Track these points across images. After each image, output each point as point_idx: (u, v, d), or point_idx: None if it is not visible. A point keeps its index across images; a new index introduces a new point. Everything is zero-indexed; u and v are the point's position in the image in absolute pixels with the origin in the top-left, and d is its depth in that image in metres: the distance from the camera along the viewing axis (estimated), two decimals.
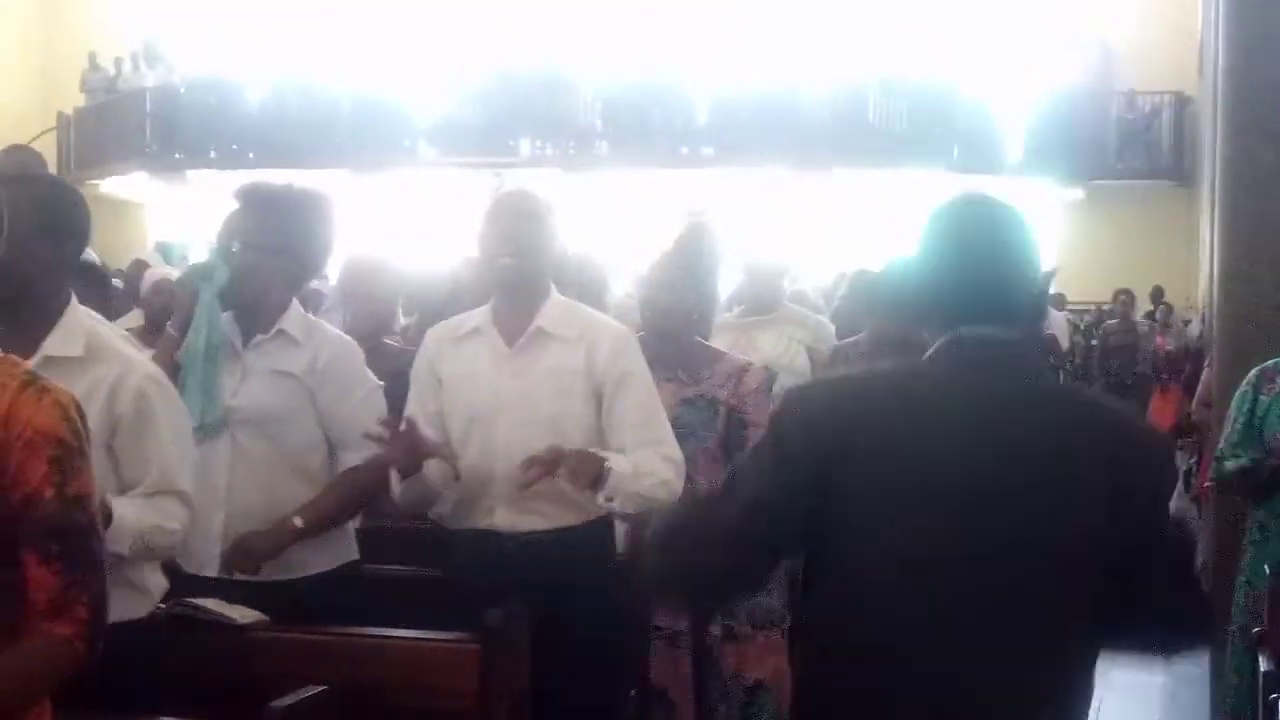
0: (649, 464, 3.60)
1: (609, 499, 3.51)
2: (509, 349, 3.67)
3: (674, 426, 4.15)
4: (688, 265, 4.54)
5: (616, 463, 3.52)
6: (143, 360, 3.14)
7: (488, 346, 3.69)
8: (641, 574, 2.62)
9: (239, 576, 3.52)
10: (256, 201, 3.72)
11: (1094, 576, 2.26)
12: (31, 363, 2.77)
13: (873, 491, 2.24)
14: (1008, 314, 2.33)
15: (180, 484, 3.09)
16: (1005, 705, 2.24)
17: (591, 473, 3.48)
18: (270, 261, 3.64)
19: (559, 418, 3.62)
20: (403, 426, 3.51)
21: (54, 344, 2.97)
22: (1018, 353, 2.33)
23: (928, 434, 2.26)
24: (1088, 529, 2.24)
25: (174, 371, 3.53)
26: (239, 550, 3.55)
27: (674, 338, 4.36)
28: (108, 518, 2.85)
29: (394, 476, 3.60)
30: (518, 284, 3.68)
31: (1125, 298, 15.12)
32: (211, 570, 3.55)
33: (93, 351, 3.00)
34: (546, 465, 3.45)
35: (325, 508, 3.65)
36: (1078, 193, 19.88)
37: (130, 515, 2.93)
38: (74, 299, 3.06)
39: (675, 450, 3.70)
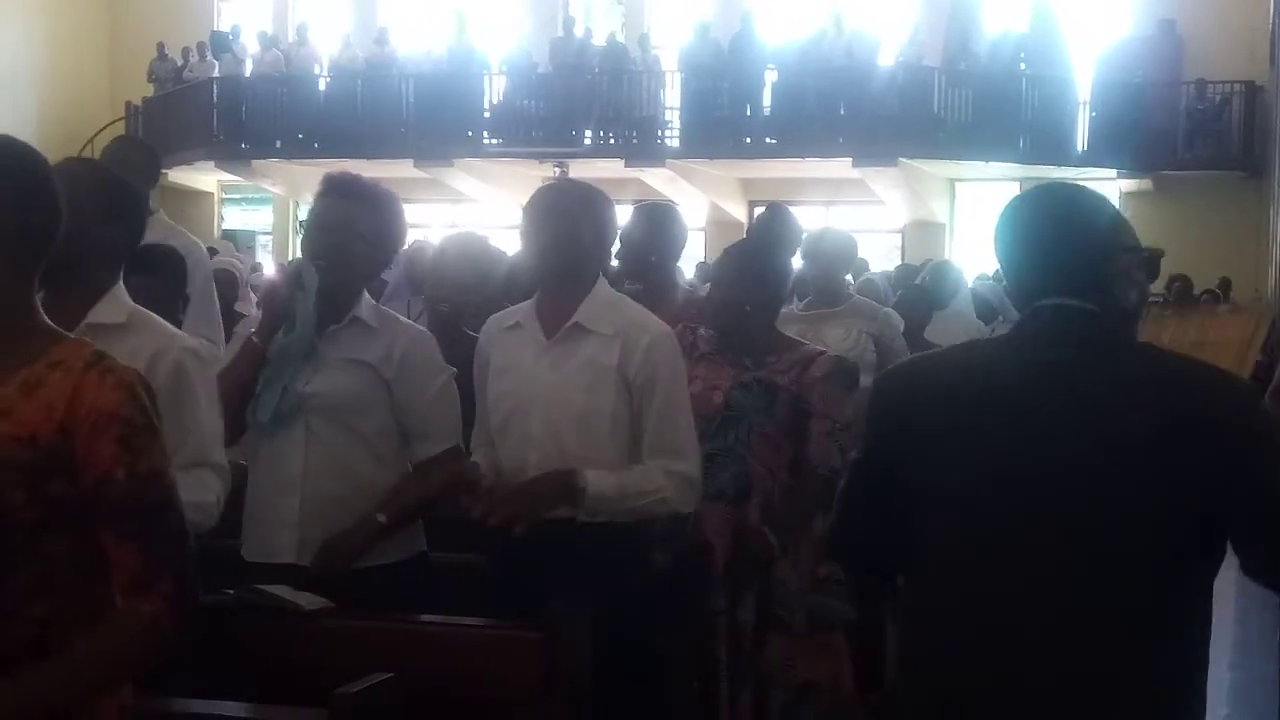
0: (646, 480, 3.60)
1: (591, 516, 3.53)
2: (547, 341, 3.67)
3: (726, 409, 4.15)
4: (753, 255, 4.52)
5: (596, 484, 3.52)
6: (181, 334, 3.20)
7: (529, 338, 3.70)
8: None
9: (305, 564, 3.54)
10: (343, 191, 3.75)
11: (1178, 535, 2.25)
12: (74, 333, 2.83)
13: (942, 462, 2.36)
14: (1085, 286, 2.38)
15: (215, 456, 3.13)
16: (1089, 673, 2.24)
17: (560, 496, 3.50)
18: (354, 249, 3.67)
19: (589, 412, 3.62)
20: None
21: (97, 313, 3.05)
22: (1096, 322, 2.38)
23: (995, 401, 2.35)
24: (1164, 486, 2.25)
25: (253, 366, 3.58)
26: (328, 552, 3.57)
27: (737, 328, 4.33)
28: None
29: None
30: (553, 278, 3.69)
31: (1180, 285, 13.77)
32: (286, 556, 3.57)
33: (134, 323, 3.08)
34: (507, 498, 3.49)
35: (407, 502, 3.67)
36: (1145, 183, 19.68)
37: None
38: (120, 281, 3.12)
39: (686, 463, 3.67)
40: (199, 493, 3.03)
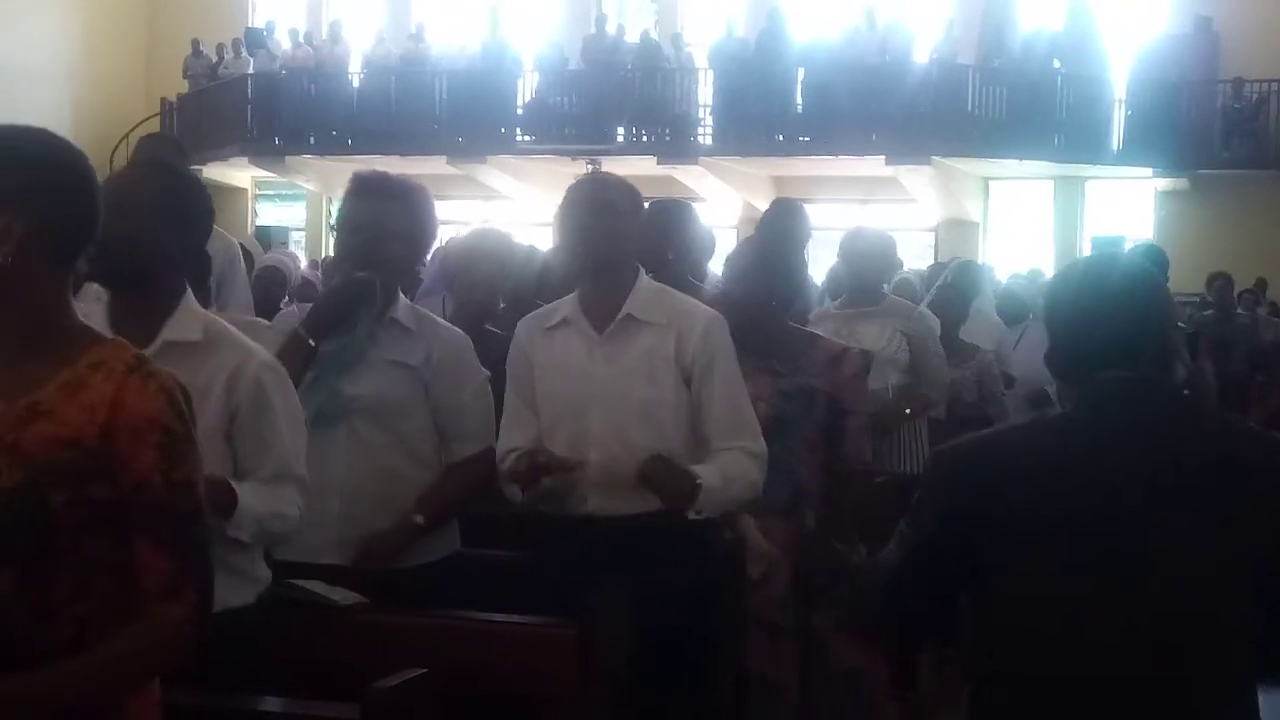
0: (736, 467, 3.60)
1: (698, 512, 3.52)
2: (599, 336, 3.66)
3: (774, 421, 4.11)
4: (769, 250, 4.49)
5: (707, 478, 3.51)
6: (259, 349, 3.16)
7: (578, 335, 3.68)
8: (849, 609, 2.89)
9: (343, 565, 3.55)
10: (372, 190, 3.75)
11: (1243, 594, 2.33)
12: (151, 348, 2.83)
13: (1021, 539, 2.36)
14: (1146, 359, 2.44)
15: (297, 470, 3.11)
16: None
17: (683, 494, 3.49)
18: (388, 249, 3.67)
19: (650, 404, 3.61)
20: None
21: (173, 329, 2.99)
22: (1163, 390, 2.46)
23: (1068, 474, 2.37)
24: (1230, 547, 2.32)
25: (304, 365, 3.58)
26: (365, 552, 3.58)
27: (756, 326, 4.29)
28: (232, 504, 2.89)
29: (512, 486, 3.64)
30: (601, 272, 3.67)
31: (1221, 283, 12.85)
32: (328, 557, 3.56)
33: (211, 338, 3.02)
34: (646, 483, 3.49)
35: (444, 502, 3.69)
36: (1181, 182, 19.55)
37: (252, 502, 2.96)
38: (189, 288, 3.09)
39: (758, 443, 3.68)
40: (281, 504, 3.04)
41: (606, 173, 3.92)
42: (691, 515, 3.51)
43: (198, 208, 3.11)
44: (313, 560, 3.53)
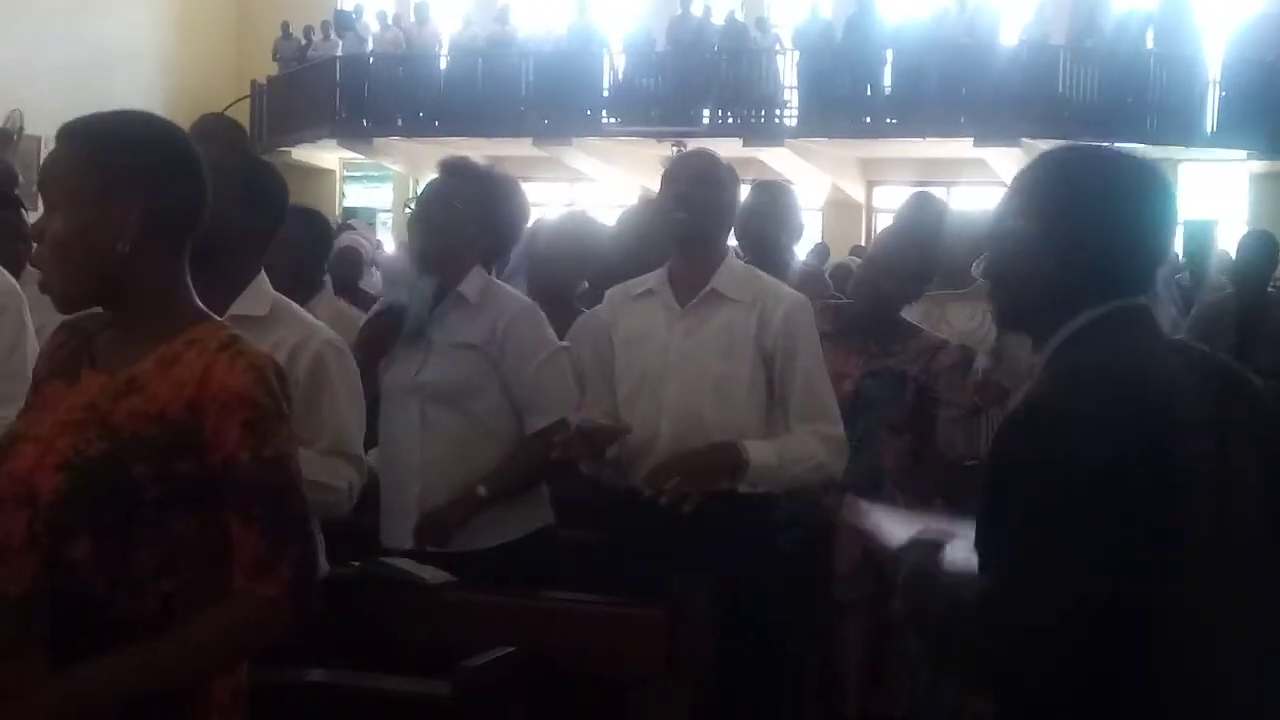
0: (801, 447, 3.58)
1: (751, 487, 3.49)
2: (681, 309, 3.65)
3: (857, 399, 4.10)
4: (906, 239, 4.50)
5: (757, 454, 3.49)
6: (323, 327, 3.21)
7: (661, 305, 3.69)
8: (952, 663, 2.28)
9: (430, 549, 3.56)
10: (460, 172, 3.78)
11: None
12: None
13: (1167, 512, 1.99)
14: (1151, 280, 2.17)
15: (353, 448, 3.14)
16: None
17: (723, 469, 3.47)
18: (463, 225, 3.68)
19: (725, 380, 3.60)
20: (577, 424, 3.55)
21: (241, 305, 3.05)
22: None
23: (1181, 436, 2.02)
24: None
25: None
26: (427, 522, 3.60)
27: (877, 311, 4.31)
28: None
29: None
30: (691, 241, 3.66)
31: None
32: (409, 544, 3.59)
33: (276, 314, 3.10)
34: (679, 470, 3.45)
35: (511, 475, 3.68)
36: (1276, 165, 19.19)
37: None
38: (262, 271, 3.13)
39: (835, 427, 3.66)
40: (329, 476, 3.06)
41: (708, 149, 3.91)
42: (743, 490, 3.48)
43: (273, 190, 3.19)
44: (403, 547, 3.55)
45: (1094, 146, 2.27)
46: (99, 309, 2.22)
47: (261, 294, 3.11)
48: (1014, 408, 2.14)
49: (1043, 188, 2.19)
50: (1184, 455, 2.01)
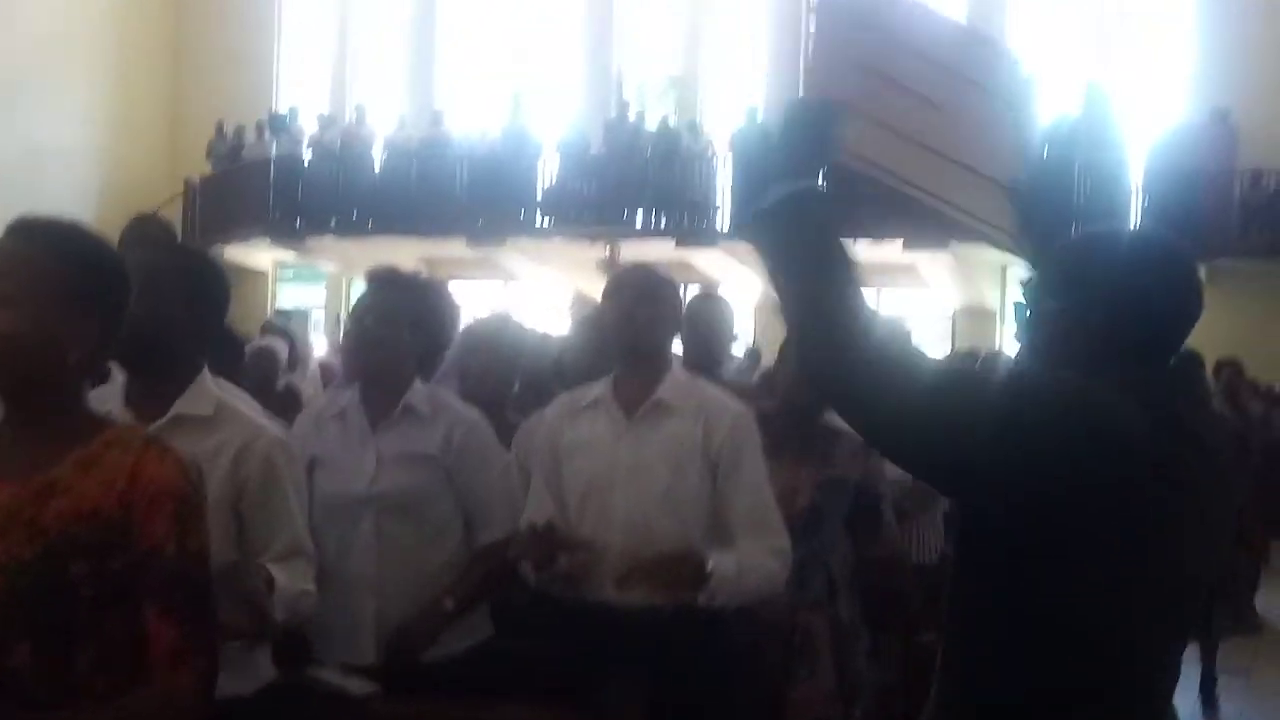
0: (755, 559, 3.60)
1: (710, 598, 3.50)
2: (627, 420, 3.67)
3: (813, 513, 4.14)
4: None
5: (720, 565, 3.50)
6: (269, 425, 3.18)
7: (607, 417, 3.71)
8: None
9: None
10: (390, 283, 3.79)
11: None
12: (161, 420, 2.92)
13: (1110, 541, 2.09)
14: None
15: (307, 545, 3.13)
16: None
17: (691, 578, 3.47)
18: (400, 336, 3.68)
19: (674, 491, 3.61)
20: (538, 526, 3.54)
21: (185, 403, 3.03)
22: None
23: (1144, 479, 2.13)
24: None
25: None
26: (399, 638, 3.56)
27: (801, 423, 4.34)
28: (270, 584, 2.90)
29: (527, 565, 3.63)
30: (637, 357, 3.70)
31: (1230, 372, 11.21)
32: (369, 658, 3.55)
33: (221, 414, 3.07)
34: (645, 576, 3.45)
35: (473, 587, 3.68)
36: (1200, 271, 19.52)
37: (285, 582, 2.97)
38: (206, 368, 3.11)
39: (782, 539, 3.69)
40: (301, 581, 3.05)
41: (650, 263, 3.96)
42: (702, 602, 3.48)
43: (215, 289, 3.17)
44: (355, 663, 3.50)
45: (1121, 230, 2.45)
46: None
47: (205, 393, 3.09)
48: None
49: (1077, 269, 2.30)
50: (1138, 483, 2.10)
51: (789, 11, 22.24)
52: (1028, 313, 2.33)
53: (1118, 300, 2.23)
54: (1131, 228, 2.45)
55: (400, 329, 3.69)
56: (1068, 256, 2.34)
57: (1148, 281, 2.27)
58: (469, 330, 5.23)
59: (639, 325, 3.68)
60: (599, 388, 3.77)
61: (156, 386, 3.00)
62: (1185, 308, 2.31)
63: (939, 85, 2.15)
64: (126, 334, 2.49)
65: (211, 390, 3.12)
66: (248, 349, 6.81)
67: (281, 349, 8.83)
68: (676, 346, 3.98)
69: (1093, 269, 2.28)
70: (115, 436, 2.19)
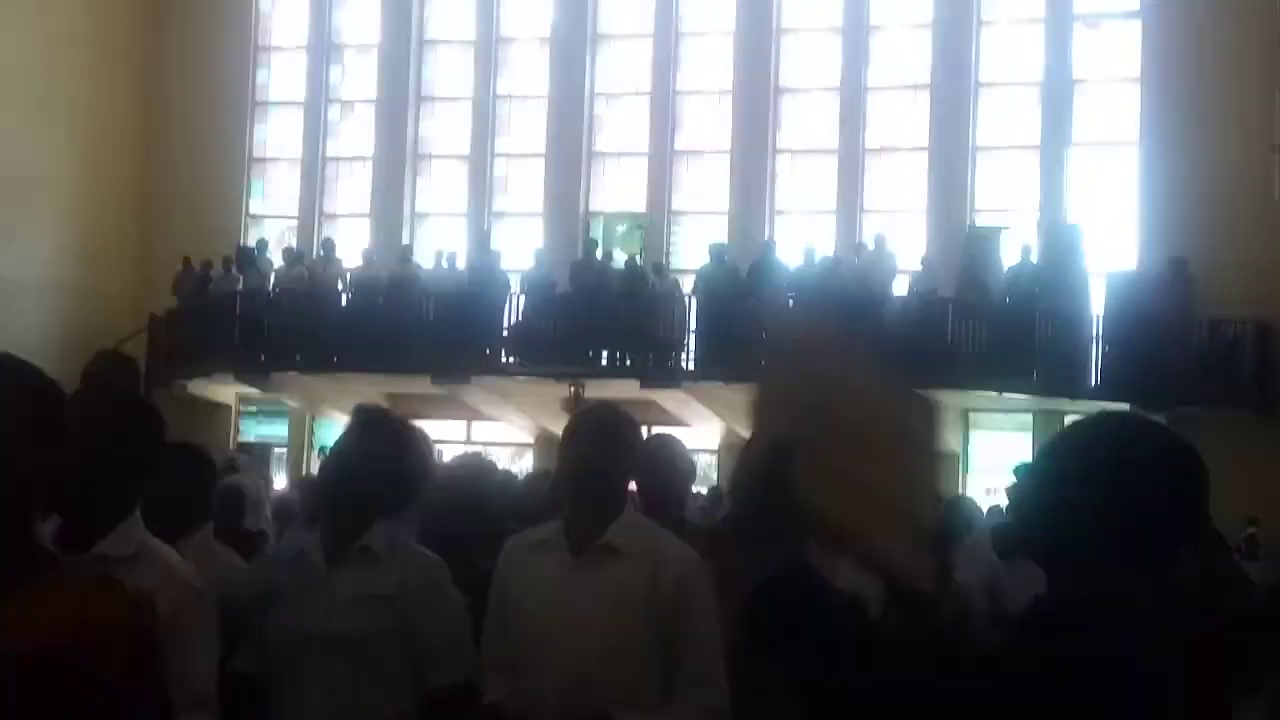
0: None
1: None
2: (575, 562, 3.66)
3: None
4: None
5: None
6: (185, 572, 3.19)
7: (555, 559, 3.69)
8: None
9: None
10: (374, 423, 3.81)
11: None
12: (84, 559, 2.90)
13: None
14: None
15: (211, 699, 3.09)
16: None
17: None
18: (377, 480, 3.68)
19: (613, 640, 3.60)
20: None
21: (108, 544, 3.05)
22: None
23: None
24: None
25: None
26: None
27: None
28: None
29: None
30: (584, 501, 3.70)
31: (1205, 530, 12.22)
32: None
33: (140, 556, 3.08)
34: None
35: None
36: (1159, 419, 19.63)
37: None
38: (137, 512, 3.13)
39: (718, 697, 3.64)
40: None
41: (609, 403, 3.98)
42: None
43: (149, 437, 3.18)
44: None
45: (1133, 416, 2.46)
46: None
47: (129, 535, 3.10)
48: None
49: (1091, 455, 2.30)
50: None
51: (755, 153, 22.60)
52: (1034, 497, 2.34)
53: (1136, 493, 2.26)
54: (1133, 416, 2.45)
55: (376, 470, 3.69)
56: (1084, 446, 2.35)
57: (1162, 476, 2.31)
58: (439, 470, 5.22)
59: (592, 467, 3.68)
60: (550, 529, 3.77)
61: (82, 524, 3.02)
62: (1196, 501, 2.33)
63: (868, 423, 2.28)
64: (65, 474, 2.50)
65: (135, 532, 3.12)
66: (217, 486, 6.77)
67: (251, 487, 8.77)
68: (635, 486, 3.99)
69: (1114, 462, 2.29)
70: (62, 574, 2.17)
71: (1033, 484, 2.35)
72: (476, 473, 5.11)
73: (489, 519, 4.82)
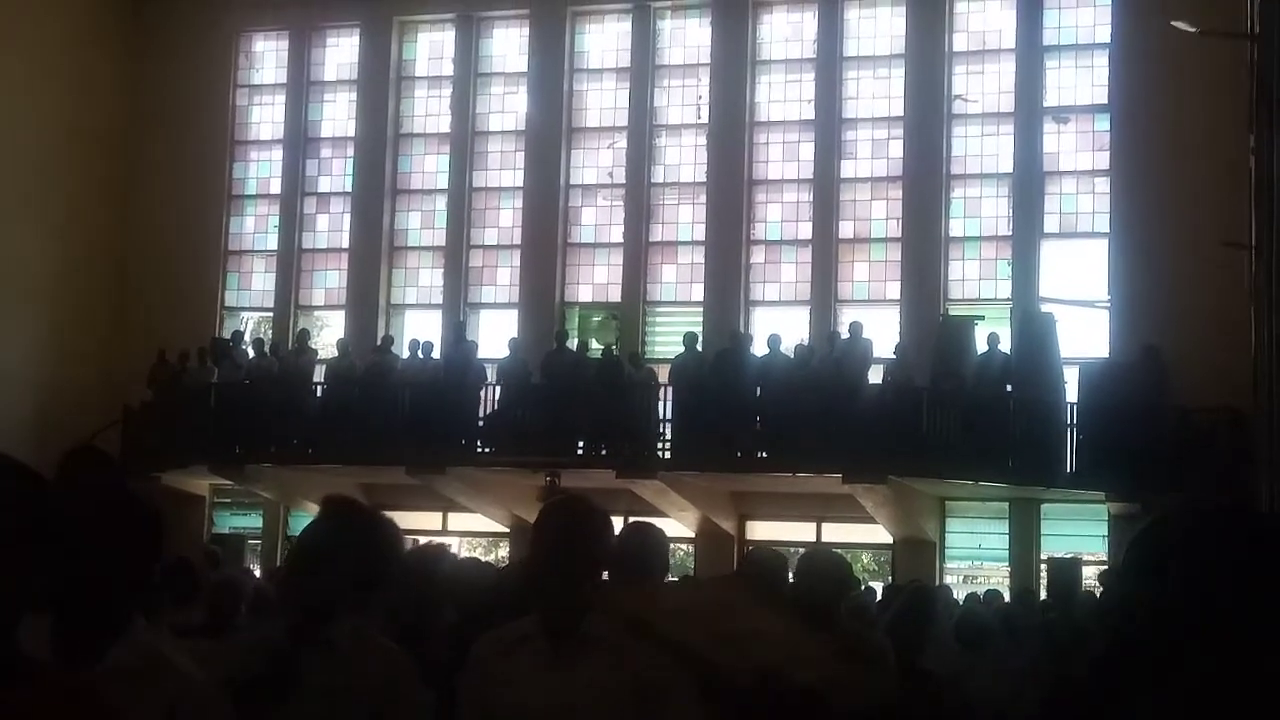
0: None
1: None
2: (555, 656, 3.65)
3: None
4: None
5: None
6: (198, 678, 3.15)
7: (533, 653, 3.68)
8: None
9: None
10: (344, 515, 3.79)
11: None
12: (97, 670, 2.85)
13: None
14: None
15: None
16: None
17: None
18: (346, 572, 3.67)
19: None
20: None
21: (117, 655, 2.98)
22: None
23: None
24: None
25: None
26: None
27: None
28: None
29: None
30: (559, 597, 3.70)
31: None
32: None
33: (154, 666, 3.02)
34: None
35: None
36: (1134, 507, 19.71)
37: None
38: (141, 616, 3.09)
39: None
40: None
41: (577, 498, 3.97)
42: None
43: (148, 535, 3.14)
44: None
45: (1218, 513, 2.44)
46: None
47: (138, 643, 3.04)
48: None
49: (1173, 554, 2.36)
50: None
51: (729, 245, 22.73)
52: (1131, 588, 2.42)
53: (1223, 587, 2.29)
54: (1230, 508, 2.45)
55: (346, 562, 3.67)
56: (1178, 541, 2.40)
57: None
58: (408, 560, 5.20)
59: (562, 561, 3.69)
60: (528, 624, 3.76)
61: (84, 630, 2.97)
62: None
63: None
64: (60, 577, 2.46)
65: (143, 639, 3.07)
66: (209, 580, 6.76)
67: (244, 582, 8.72)
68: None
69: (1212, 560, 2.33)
70: (43, 688, 2.12)
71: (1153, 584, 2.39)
72: (440, 561, 5.10)
73: (462, 606, 4.81)
